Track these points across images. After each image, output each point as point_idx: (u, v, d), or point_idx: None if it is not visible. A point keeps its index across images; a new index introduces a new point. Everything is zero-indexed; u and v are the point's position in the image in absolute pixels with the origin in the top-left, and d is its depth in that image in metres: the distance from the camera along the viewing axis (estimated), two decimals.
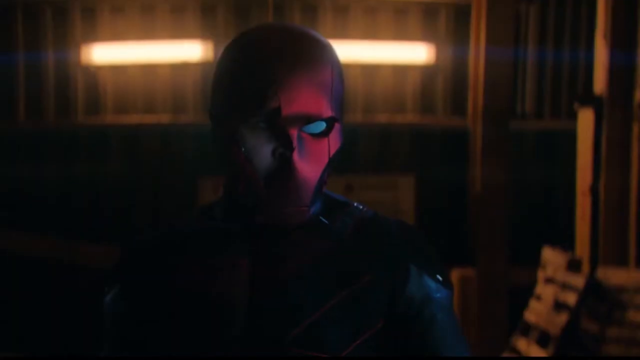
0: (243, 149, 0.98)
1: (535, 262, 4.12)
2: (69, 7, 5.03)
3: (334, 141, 1.01)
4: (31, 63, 5.01)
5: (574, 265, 3.76)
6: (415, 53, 5.12)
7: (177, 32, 5.01)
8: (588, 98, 3.96)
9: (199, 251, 1.02)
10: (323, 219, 1.04)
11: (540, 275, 4.00)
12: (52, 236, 5.03)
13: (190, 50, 5.00)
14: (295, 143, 0.97)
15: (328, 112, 0.99)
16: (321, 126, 1.00)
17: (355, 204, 1.08)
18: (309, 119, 0.98)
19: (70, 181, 5.06)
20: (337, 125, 1.02)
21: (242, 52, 1.00)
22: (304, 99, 0.97)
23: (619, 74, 3.78)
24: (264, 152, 0.98)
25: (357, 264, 1.01)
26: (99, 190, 5.11)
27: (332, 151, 1.01)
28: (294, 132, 0.97)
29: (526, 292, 4.07)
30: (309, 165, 0.99)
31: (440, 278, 1.06)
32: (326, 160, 1.01)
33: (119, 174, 5.09)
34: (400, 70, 5.12)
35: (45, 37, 5.03)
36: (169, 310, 1.00)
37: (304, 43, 0.99)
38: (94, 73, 5.04)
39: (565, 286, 3.71)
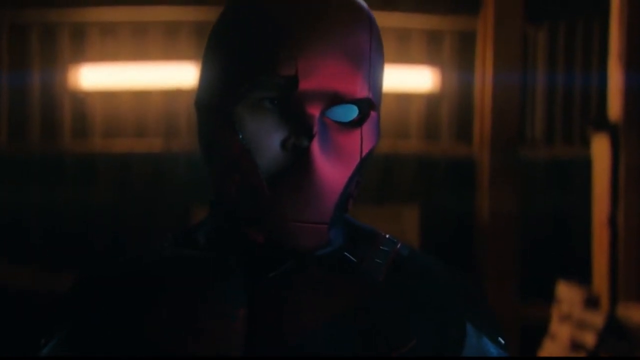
0: (240, 136, 0.71)
1: (548, 297, 3.97)
2: (57, 28, 4.95)
3: (368, 135, 0.74)
4: (17, 84, 4.91)
5: (591, 302, 3.59)
6: (420, 79, 5.04)
7: (171, 55, 4.92)
8: (602, 122, 3.85)
9: (177, 295, 0.74)
10: (349, 255, 0.76)
11: (555, 312, 3.84)
12: (35, 267, 4.85)
13: (184, 74, 4.91)
14: (316, 129, 0.70)
15: (363, 92, 0.72)
16: (353, 112, 0.73)
17: (387, 236, 0.80)
18: (337, 99, 0.71)
19: (56, 209, 4.91)
20: (373, 114, 0.74)
21: (245, 5, 0.73)
22: (331, 69, 0.70)
23: (635, 96, 3.71)
24: (270, 141, 0.71)
25: (398, 322, 0.74)
26: (87, 218, 4.95)
27: (366, 149, 0.73)
28: (314, 114, 0.70)
29: (539, 331, 3.92)
30: (334, 165, 0.71)
31: (502, 341, 0.77)
32: (357, 160, 0.73)
33: (108, 202, 4.95)
34: (403, 96, 5.04)
35: (32, 58, 4.94)
36: None
37: None
38: (82, 97, 4.96)
39: (582, 325, 3.55)
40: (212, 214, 0.78)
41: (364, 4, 0.75)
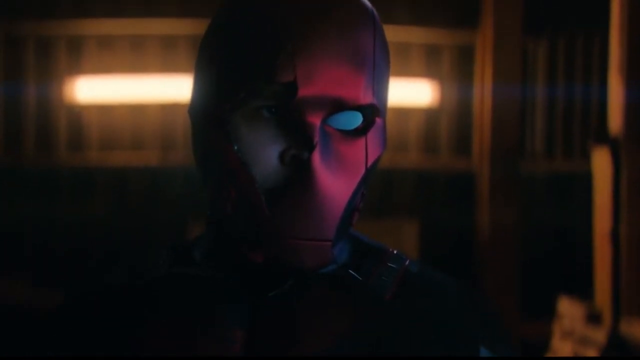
0: (236, 148, 0.66)
1: (549, 313, 3.91)
2: (53, 40, 4.93)
3: (373, 144, 0.69)
4: (12, 97, 4.88)
5: (593, 317, 3.53)
6: (419, 92, 5.03)
7: (168, 68, 4.90)
8: (603, 136, 3.83)
9: (169, 316, 0.70)
10: (354, 273, 0.72)
11: (556, 328, 3.78)
12: (30, 281, 4.79)
13: (181, 87, 4.90)
14: (316, 140, 0.65)
15: (367, 98, 0.67)
16: (357, 119, 0.68)
17: (395, 252, 0.76)
18: (339, 105, 0.66)
19: (51, 222, 4.86)
20: (378, 121, 0.69)
21: (241, 8, 0.69)
22: (333, 73, 0.65)
23: (635, 109, 3.69)
24: (268, 152, 0.66)
25: (406, 343, 0.69)
26: (83, 232, 4.91)
27: (371, 159, 0.69)
28: (315, 123, 0.65)
29: (540, 348, 3.87)
30: (337, 177, 0.67)
31: None
32: (362, 170, 0.68)
33: (104, 216, 4.90)
34: (403, 110, 5.02)
35: (28, 70, 4.91)
36: None
37: None
38: (78, 110, 4.94)
39: (584, 341, 3.50)
40: (209, 228, 0.74)
41: (367, 2, 0.70)
